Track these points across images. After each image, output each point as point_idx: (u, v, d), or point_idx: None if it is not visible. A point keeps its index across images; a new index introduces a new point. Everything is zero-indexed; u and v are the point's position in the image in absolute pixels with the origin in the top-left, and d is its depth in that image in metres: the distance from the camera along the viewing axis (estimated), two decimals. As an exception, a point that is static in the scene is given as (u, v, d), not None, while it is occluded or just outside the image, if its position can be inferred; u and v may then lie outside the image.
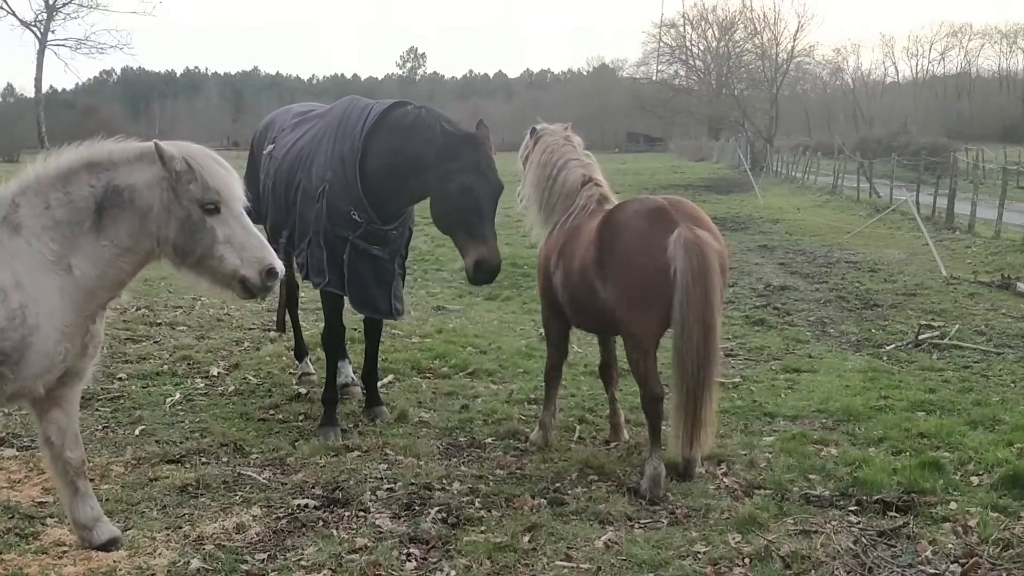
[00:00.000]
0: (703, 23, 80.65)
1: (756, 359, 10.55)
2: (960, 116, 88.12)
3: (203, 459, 6.52)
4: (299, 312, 9.38)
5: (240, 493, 5.92)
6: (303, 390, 8.30)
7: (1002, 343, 11.48)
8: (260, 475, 6.21)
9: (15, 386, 4.51)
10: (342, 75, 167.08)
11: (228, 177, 4.65)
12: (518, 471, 6.47)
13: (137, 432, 7.08)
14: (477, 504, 5.82)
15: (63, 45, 47.80)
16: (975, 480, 6.42)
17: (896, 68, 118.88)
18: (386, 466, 6.47)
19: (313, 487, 6.05)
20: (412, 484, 6.09)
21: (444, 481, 6.17)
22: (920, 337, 11.55)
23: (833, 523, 5.65)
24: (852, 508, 5.92)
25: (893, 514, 5.81)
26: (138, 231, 4.62)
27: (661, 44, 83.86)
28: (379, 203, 6.97)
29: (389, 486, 6.08)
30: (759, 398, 8.55)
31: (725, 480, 6.40)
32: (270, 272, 4.63)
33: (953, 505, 5.92)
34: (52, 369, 4.61)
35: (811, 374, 9.72)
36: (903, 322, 12.82)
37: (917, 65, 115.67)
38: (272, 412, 7.73)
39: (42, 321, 4.46)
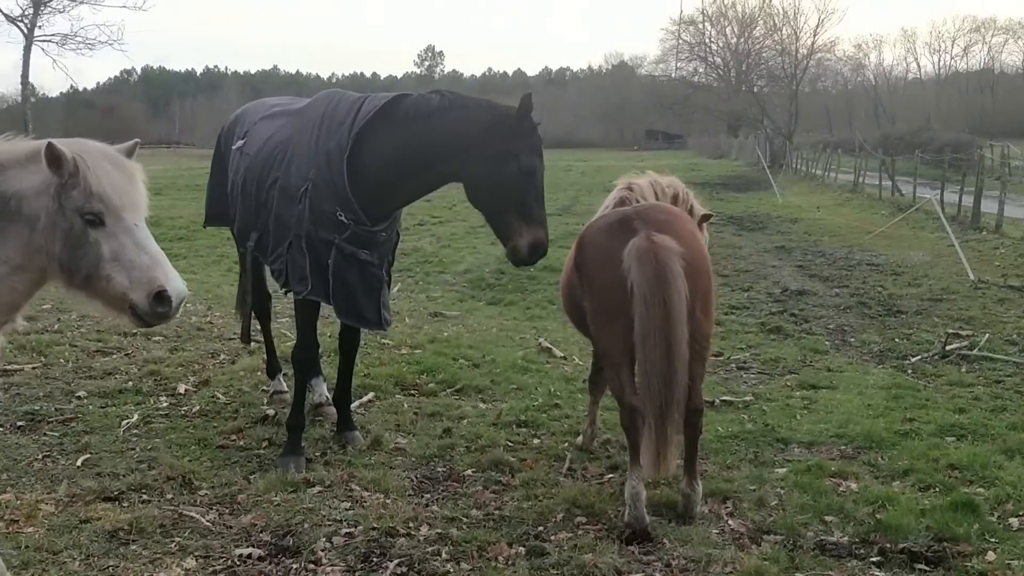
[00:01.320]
0: (722, 19, 79.54)
1: (770, 373, 9.82)
2: (983, 112, 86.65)
3: (144, 496, 5.79)
4: (273, 324, 8.70)
5: (178, 539, 5.20)
6: (272, 411, 7.58)
7: (1036, 354, 10.70)
8: (204, 516, 5.49)
9: None
10: (361, 74, 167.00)
11: (120, 182, 3.93)
12: (496, 511, 5.72)
13: (79, 462, 6.36)
14: (444, 555, 5.07)
15: (50, 41, 46.74)
16: (1014, 522, 5.66)
17: (918, 64, 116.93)
18: (348, 505, 5.74)
19: (261, 531, 5.33)
20: (374, 528, 5.34)
21: (411, 524, 5.43)
22: (947, 347, 10.79)
23: (852, 579, 4.92)
24: (874, 559, 5.17)
25: (922, 567, 5.07)
26: (27, 246, 3.93)
27: (680, 41, 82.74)
28: (374, 202, 6.36)
29: (348, 530, 5.34)
30: (772, 420, 7.80)
31: (730, 522, 5.65)
32: (159, 296, 3.91)
33: (991, 556, 5.17)
34: None
35: (829, 391, 8.98)
36: (929, 330, 12.05)
37: (939, 61, 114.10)
38: (234, 437, 7.02)
39: None
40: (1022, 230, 21.11)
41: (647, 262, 5.34)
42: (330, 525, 5.42)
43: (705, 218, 6.86)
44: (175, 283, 3.95)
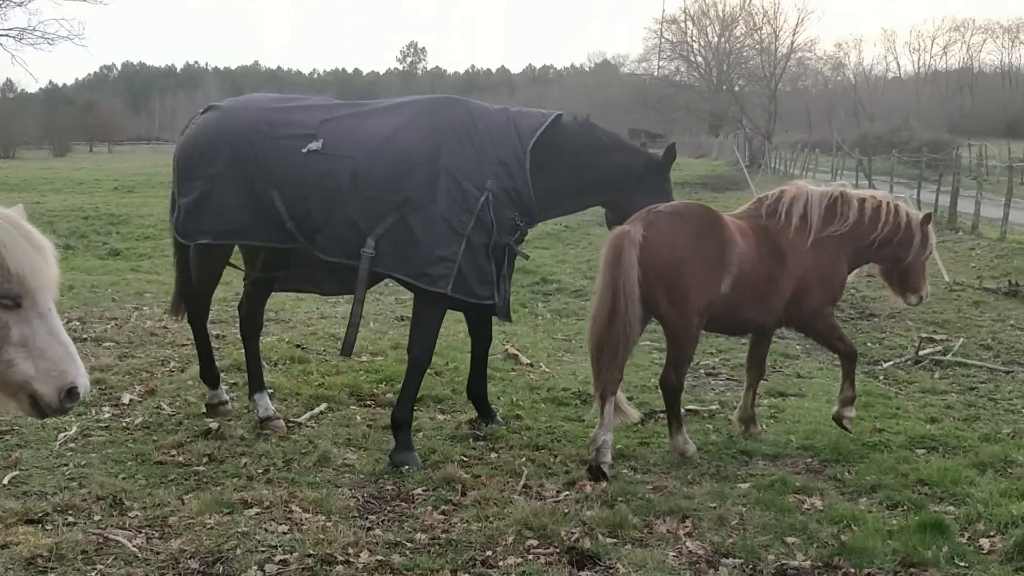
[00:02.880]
0: (704, 19, 79.35)
1: (739, 379, 9.50)
2: (963, 111, 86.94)
3: (70, 518, 5.44)
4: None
5: (100, 567, 4.88)
6: (215, 424, 7.22)
7: (1011, 359, 10.54)
8: (132, 541, 5.16)
9: None
10: (343, 69, 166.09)
11: (38, 262, 3.56)
12: (443, 535, 5.42)
13: (6, 480, 6.00)
14: (381, 584, 4.80)
15: (7, 35, 45.61)
16: (985, 544, 5.41)
17: (898, 63, 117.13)
18: (286, 528, 5.42)
19: (190, 558, 5.01)
20: (310, 555, 5.02)
21: (350, 550, 5.11)
22: (921, 353, 10.59)
23: (813, 609, 4.66)
24: (837, 586, 4.91)
25: (887, 594, 4.82)
26: None
27: (662, 40, 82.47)
28: (543, 209, 7.04)
29: (283, 557, 5.03)
30: (737, 431, 7.54)
31: (688, 544, 5.37)
32: (71, 392, 3.59)
33: (960, 582, 4.92)
34: None
35: (798, 399, 8.76)
36: (902, 334, 11.86)
37: (919, 60, 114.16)
38: (174, 452, 6.68)
39: None
40: (998, 230, 20.95)
41: (609, 247, 6.50)
42: (264, 551, 5.10)
43: (926, 219, 7.71)
44: (84, 379, 3.63)
